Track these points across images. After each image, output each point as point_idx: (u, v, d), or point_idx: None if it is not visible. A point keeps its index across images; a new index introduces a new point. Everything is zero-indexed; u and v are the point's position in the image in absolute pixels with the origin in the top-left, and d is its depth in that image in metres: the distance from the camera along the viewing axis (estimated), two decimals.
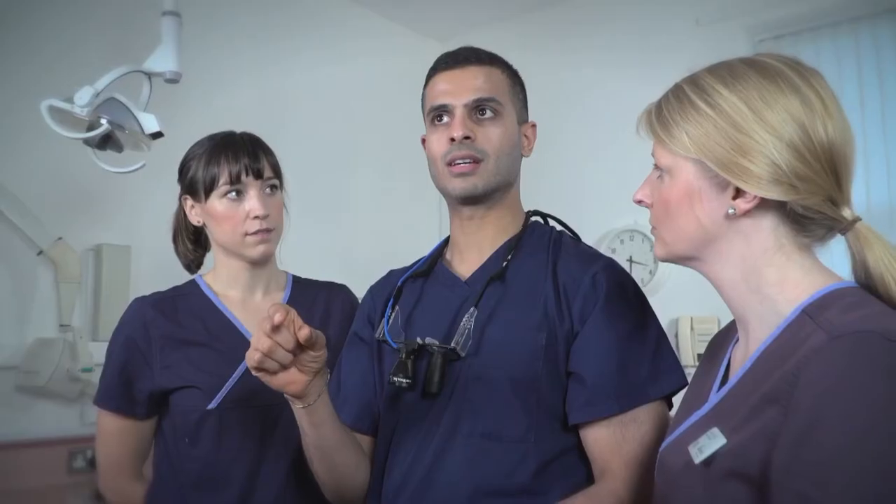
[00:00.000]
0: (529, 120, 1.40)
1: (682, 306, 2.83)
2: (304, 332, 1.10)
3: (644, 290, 2.93)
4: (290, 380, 1.15)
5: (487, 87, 1.31)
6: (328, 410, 1.24)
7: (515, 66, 1.41)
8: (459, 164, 1.29)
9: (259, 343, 1.10)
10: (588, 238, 3.15)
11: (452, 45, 1.41)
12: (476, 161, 1.29)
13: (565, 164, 3.25)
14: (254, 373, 1.14)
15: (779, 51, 2.78)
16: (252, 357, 1.11)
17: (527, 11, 3.50)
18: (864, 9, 2.65)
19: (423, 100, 1.39)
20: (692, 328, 2.86)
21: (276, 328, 1.09)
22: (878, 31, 2.65)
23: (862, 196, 2.62)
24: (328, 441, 1.27)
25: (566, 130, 3.24)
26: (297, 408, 1.22)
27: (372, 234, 3.26)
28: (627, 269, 3.11)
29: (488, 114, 1.30)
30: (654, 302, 3.11)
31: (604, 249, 3.14)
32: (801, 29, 2.79)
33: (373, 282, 1.52)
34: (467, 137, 1.28)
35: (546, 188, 3.22)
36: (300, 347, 1.12)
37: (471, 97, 1.30)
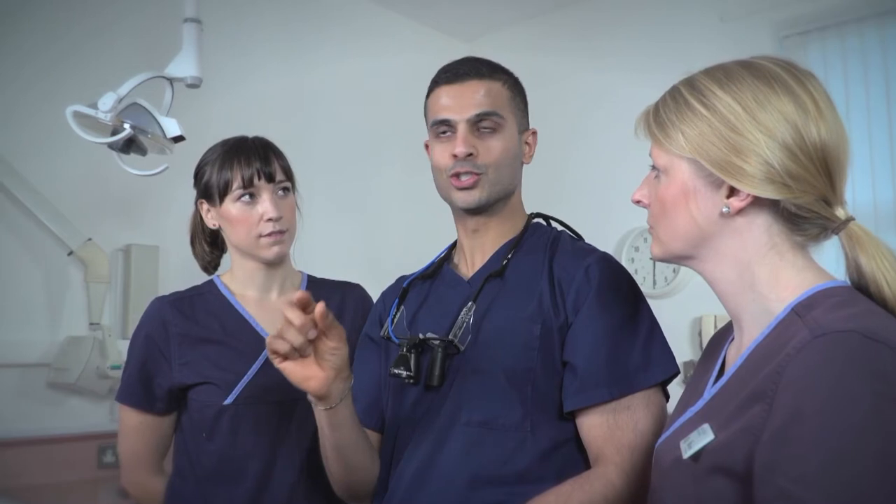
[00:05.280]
0: (530, 127, 1.43)
1: (706, 305, 2.80)
2: (320, 307, 1.12)
3: (668, 288, 2.97)
4: (309, 374, 1.18)
5: (488, 102, 1.33)
6: (349, 413, 1.27)
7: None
8: (462, 178, 1.33)
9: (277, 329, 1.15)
10: (612, 237, 3.16)
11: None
12: (478, 175, 1.32)
13: (590, 162, 3.24)
14: (272, 359, 1.17)
15: (805, 47, 2.77)
16: (269, 342, 1.15)
17: (550, 11, 3.50)
18: (890, 4, 2.60)
19: (425, 109, 1.42)
20: (716, 327, 2.83)
21: (294, 306, 1.13)
22: None
23: (889, 193, 2.58)
24: (346, 442, 1.30)
25: (591, 129, 3.24)
26: (318, 409, 1.24)
27: (398, 233, 3.27)
28: (651, 268, 3.11)
29: (490, 128, 1.33)
30: (677, 300, 3.09)
31: (627, 248, 3.13)
32: (826, 24, 2.75)
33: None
34: (470, 154, 1.31)
35: (570, 187, 3.24)
36: (320, 336, 1.16)
37: (472, 112, 1.32)
